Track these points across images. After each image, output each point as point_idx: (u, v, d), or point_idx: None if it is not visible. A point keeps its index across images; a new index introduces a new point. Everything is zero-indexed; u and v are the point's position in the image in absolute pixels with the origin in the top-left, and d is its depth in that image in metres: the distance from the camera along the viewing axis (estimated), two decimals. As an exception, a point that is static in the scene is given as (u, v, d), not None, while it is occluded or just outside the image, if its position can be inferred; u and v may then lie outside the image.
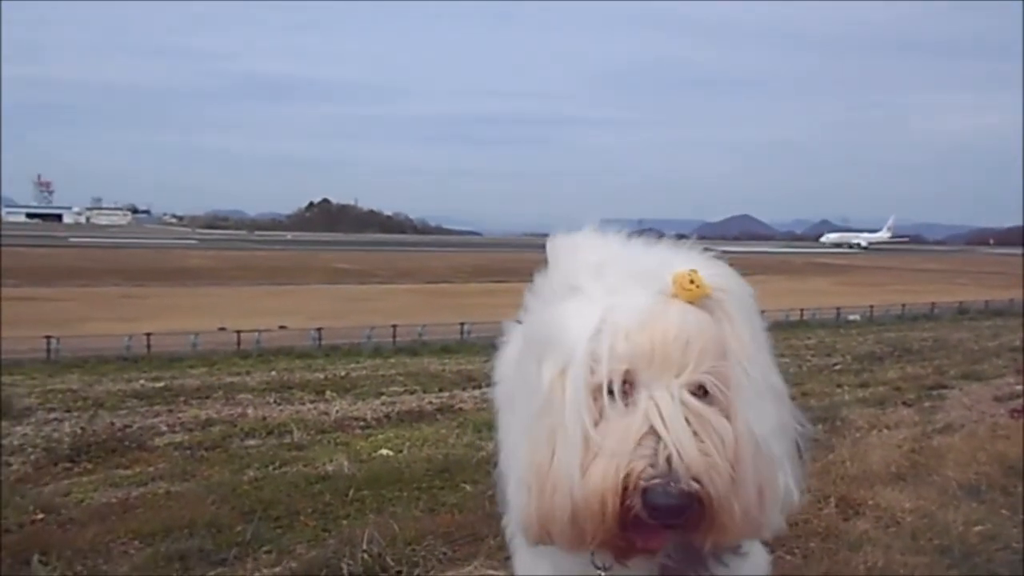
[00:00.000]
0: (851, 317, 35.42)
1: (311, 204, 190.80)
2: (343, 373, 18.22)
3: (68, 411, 13.18)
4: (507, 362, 1.62)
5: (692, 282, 1.26)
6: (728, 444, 1.21)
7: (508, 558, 2.04)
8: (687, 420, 1.19)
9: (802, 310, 33.95)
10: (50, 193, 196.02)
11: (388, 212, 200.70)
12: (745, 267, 1.43)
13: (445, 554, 3.82)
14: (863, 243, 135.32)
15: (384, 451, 8.04)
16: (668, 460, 1.16)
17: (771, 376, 1.33)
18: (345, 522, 4.98)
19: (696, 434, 1.19)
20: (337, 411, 12.40)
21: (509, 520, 1.68)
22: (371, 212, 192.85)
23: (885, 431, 7.01)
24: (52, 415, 12.78)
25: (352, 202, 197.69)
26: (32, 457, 8.83)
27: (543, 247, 1.53)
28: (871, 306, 38.56)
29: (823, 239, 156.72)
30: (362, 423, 11.15)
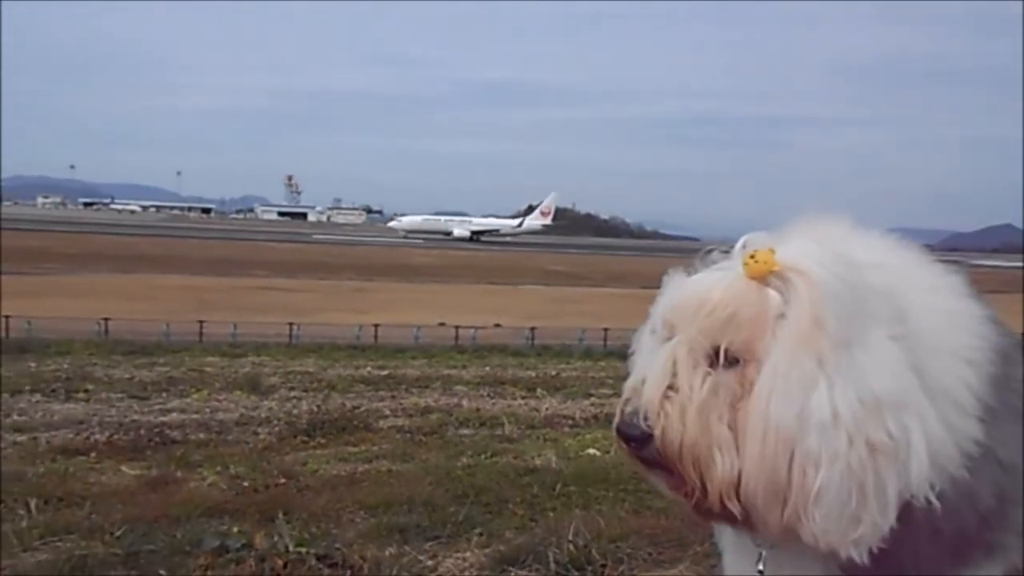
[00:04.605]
0: None
1: (530, 207, 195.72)
2: (554, 372, 18.59)
3: (305, 391, 14.49)
4: None
5: (753, 258, 1.32)
6: (695, 400, 1.27)
7: (714, 566, 2.02)
8: (673, 372, 1.29)
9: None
10: (298, 193, 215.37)
11: (605, 216, 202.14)
12: (1001, 283, 1.32)
13: (650, 555, 3.82)
14: (471, 231, 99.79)
15: (591, 450, 8.12)
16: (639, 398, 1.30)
17: (849, 376, 1.24)
18: (552, 514, 5.10)
19: (670, 386, 1.28)
20: (547, 408, 12.70)
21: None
22: (588, 215, 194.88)
23: None
24: (292, 393, 14.12)
25: (570, 206, 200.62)
26: (276, 429, 9.83)
27: None
28: None
29: (392, 224, 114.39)
30: (570, 422, 11.33)
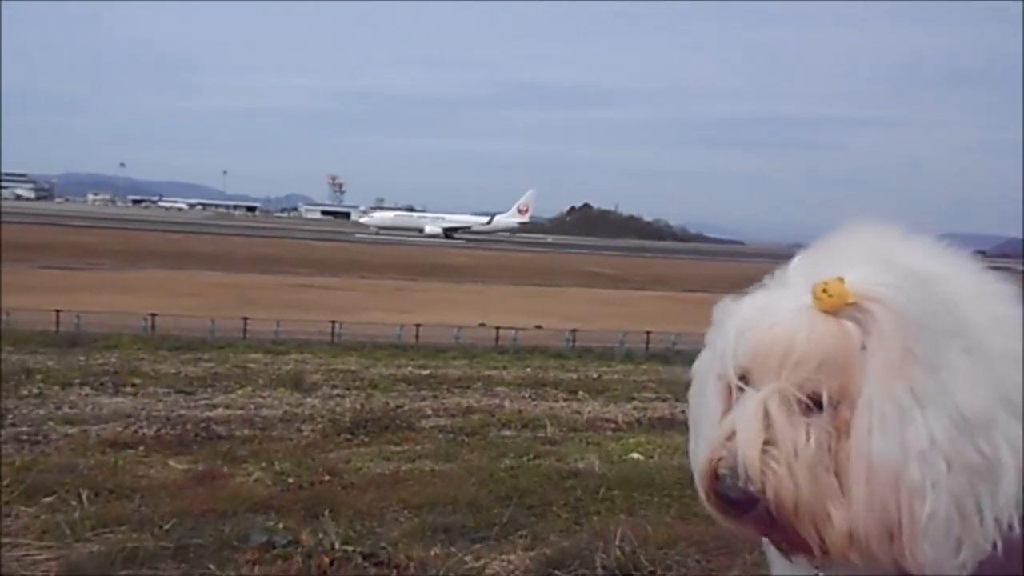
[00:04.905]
0: None
1: (572, 208, 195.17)
2: (595, 375, 18.46)
3: (348, 389, 14.57)
4: None
5: (825, 291, 1.24)
6: (803, 455, 1.19)
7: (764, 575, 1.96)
8: (768, 425, 1.21)
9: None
10: (342, 193, 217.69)
11: (648, 218, 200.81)
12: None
13: (698, 562, 3.77)
14: (444, 229, 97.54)
15: (634, 455, 8.06)
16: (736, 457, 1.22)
17: (939, 399, 1.21)
18: (596, 518, 5.06)
19: (768, 440, 1.20)
20: (589, 411, 12.60)
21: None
22: (631, 218, 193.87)
23: None
24: (335, 391, 14.21)
25: (613, 207, 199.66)
26: (319, 427, 9.88)
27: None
28: None
29: (363, 220, 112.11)
30: (613, 425, 11.22)
